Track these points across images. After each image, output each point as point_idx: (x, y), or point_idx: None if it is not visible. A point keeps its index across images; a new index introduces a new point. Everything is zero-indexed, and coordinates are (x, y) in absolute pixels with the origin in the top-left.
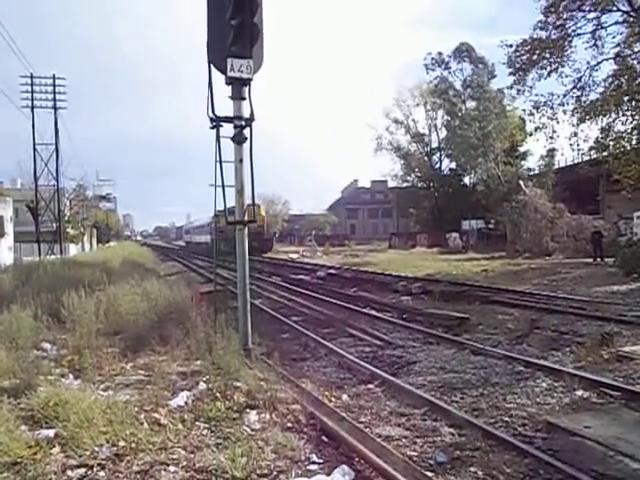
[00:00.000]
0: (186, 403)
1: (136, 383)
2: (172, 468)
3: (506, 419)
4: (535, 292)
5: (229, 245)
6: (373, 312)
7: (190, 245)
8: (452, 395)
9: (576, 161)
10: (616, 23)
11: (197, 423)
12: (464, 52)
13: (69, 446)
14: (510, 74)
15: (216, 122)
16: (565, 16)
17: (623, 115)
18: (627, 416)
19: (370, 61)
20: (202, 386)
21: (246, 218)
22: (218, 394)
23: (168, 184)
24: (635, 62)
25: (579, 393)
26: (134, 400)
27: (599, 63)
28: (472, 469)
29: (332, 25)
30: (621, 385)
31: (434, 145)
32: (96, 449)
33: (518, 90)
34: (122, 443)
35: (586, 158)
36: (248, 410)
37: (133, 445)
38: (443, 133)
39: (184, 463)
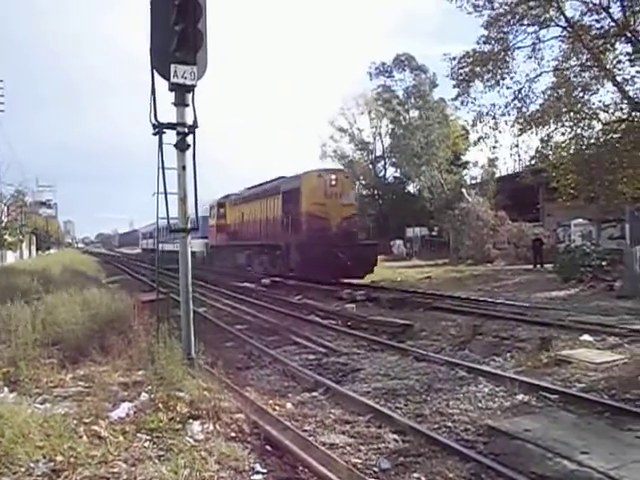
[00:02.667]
0: (127, 414)
1: (75, 395)
2: None
3: (449, 424)
4: (477, 298)
5: (227, 254)
6: (317, 319)
7: (150, 255)
8: (396, 401)
9: (517, 170)
10: (554, 38)
11: (139, 435)
12: (404, 62)
13: (2, 463)
14: (454, 86)
15: (159, 128)
16: (506, 29)
17: (562, 126)
18: (565, 418)
19: (319, 72)
20: (144, 397)
21: (189, 226)
22: (160, 405)
23: (111, 191)
24: (572, 75)
25: (519, 397)
26: (73, 413)
27: (538, 76)
28: (415, 475)
29: (284, 35)
30: (559, 388)
31: (378, 153)
32: (32, 465)
33: (462, 102)
34: (60, 458)
35: (527, 167)
36: (191, 420)
37: (71, 460)
38: (387, 141)
39: (125, 477)
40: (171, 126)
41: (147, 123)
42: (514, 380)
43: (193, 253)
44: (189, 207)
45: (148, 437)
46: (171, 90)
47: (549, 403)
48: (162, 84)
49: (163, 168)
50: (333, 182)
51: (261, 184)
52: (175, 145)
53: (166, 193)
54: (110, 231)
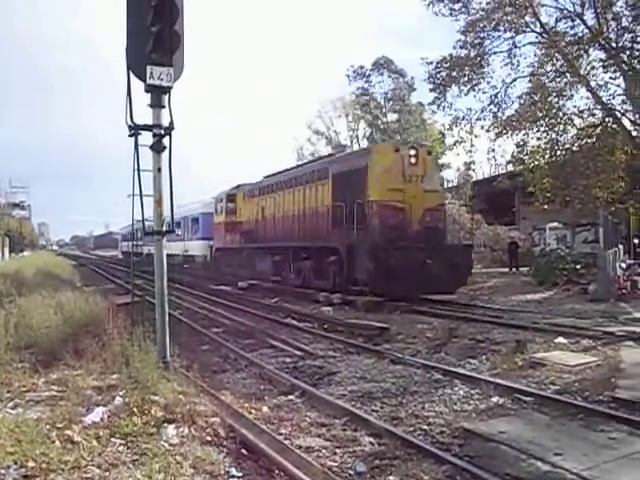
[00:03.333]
0: (101, 419)
1: (48, 399)
2: None
3: (424, 427)
4: (453, 301)
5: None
6: (294, 322)
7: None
8: (372, 404)
9: (494, 174)
10: (530, 43)
11: (113, 439)
12: (383, 65)
13: None
14: (430, 90)
15: (134, 130)
16: (482, 35)
17: (537, 131)
18: (539, 420)
19: (303, 73)
20: (118, 401)
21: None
22: (135, 409)
23: (85, 192)
24: (547, 81)
25: (494, 399)
26: (46, 417)
27: (514, 81)
28: (391, 478)
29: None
30: (533, 391)
31: None
32: (2, 472)
33: (438, 106)
34: (31, 464)
35: (503, 171)
36: (166, 424)
37: (44, 465)
38: (365, 144)
39: None
40: (147, 128)
41: (122, 124)
42: (489, 383)
43: (192, 257)
44: (165, 209)
45: (122, 441)
46: (147, 92)
47: (524, 405)
48: (138, 85)
49: (139, 170)
50: (413, 160)
51: (291, 168)
52: (151, 147)
53: (141, 195)
54: (85, 233)
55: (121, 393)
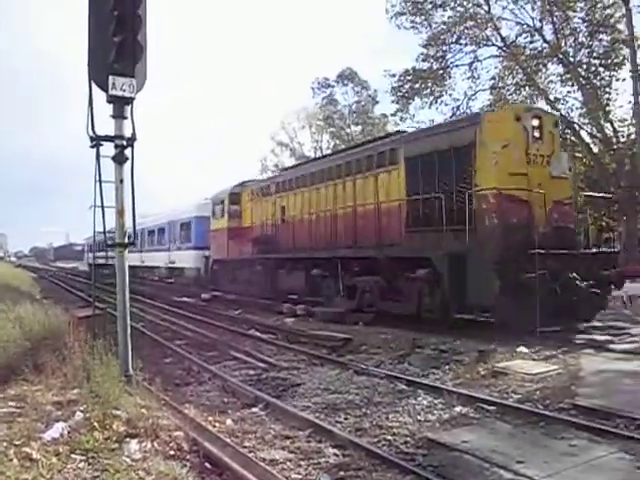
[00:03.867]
0: (61, 435)
1: (5, 416)
2: None
3: (389, 437)
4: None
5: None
6: (257, 334)
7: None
8: (336, 416)
9: None
10: (491, 57)
11: (73, 456)
12: (347, 77)
13: None
14: (392, 102)
15: (96, 141)
16: (444, 48)
17: None
18: (501, 429)
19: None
20: (79, 416)
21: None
22: (96, 424)
23: (45, 203)
24: (508, 94)
25: (458, 409)
26: (3, 435)
27: (475, 93)
28: None
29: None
30: (496, 400)
31: None
32: None
33: (401, 117)
34: None
35: None
36: (128, 439)
37: None
38: None
39: None
40: (109, 139)
41: (82, 133)
42: (452, 392)
43: (180, 270)
44: (127, 220)
45: (83, 458)
46: (109, 102)
47: (486, 414)
48: (100, 95)
49: (100, 181)
50: (537, 133)
51: (330, 155)
52: (113, 158)
53: (103, 206)
54: (45, 244)
55: (82, 408)
